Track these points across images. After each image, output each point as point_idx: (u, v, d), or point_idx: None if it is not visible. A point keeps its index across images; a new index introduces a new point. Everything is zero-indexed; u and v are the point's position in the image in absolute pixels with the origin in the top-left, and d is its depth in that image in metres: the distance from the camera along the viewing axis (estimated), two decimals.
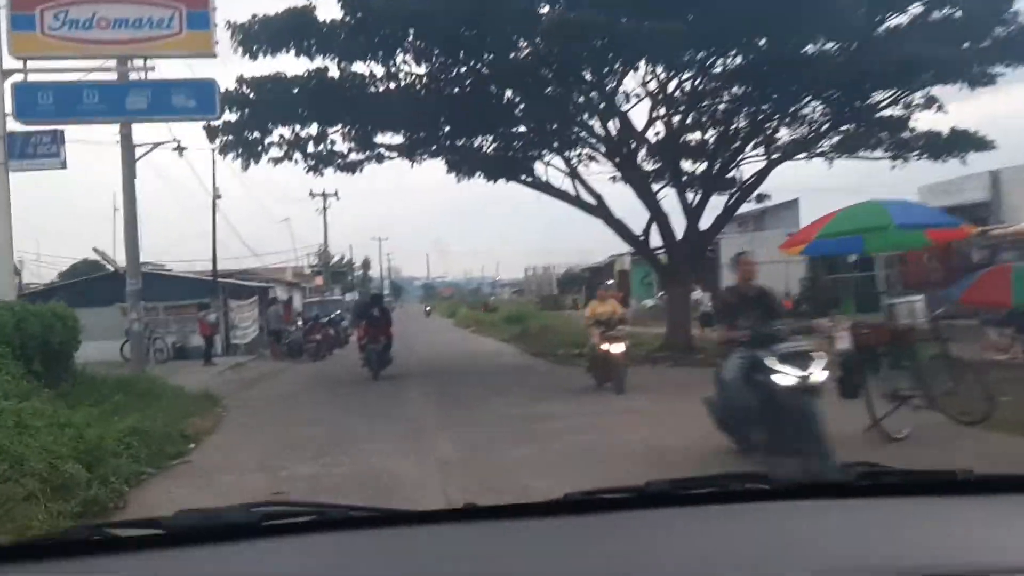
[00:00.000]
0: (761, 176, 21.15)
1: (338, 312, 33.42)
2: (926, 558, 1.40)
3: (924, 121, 19.82)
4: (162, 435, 9.45)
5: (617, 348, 13.65)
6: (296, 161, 18.48)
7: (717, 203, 21.93)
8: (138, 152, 20.80)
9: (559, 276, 74.25)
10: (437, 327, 44.89)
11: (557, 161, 22.28)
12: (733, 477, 1.83)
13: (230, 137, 17.61)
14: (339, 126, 20.16)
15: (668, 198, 21.71)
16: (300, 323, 28.41)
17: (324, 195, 55.15)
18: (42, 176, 17.99)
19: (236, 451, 9.66)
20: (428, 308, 62.25)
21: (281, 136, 18.14)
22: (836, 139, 20.24)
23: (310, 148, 18.82)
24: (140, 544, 1.58)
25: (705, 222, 21.65)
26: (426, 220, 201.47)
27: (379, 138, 22.15)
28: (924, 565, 1.37)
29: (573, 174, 21.45)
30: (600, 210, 21.61)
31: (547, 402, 12.78)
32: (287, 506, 1.81)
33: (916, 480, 1.76)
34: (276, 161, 18.22)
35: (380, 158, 23.33)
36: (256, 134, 17.64)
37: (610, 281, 59.61)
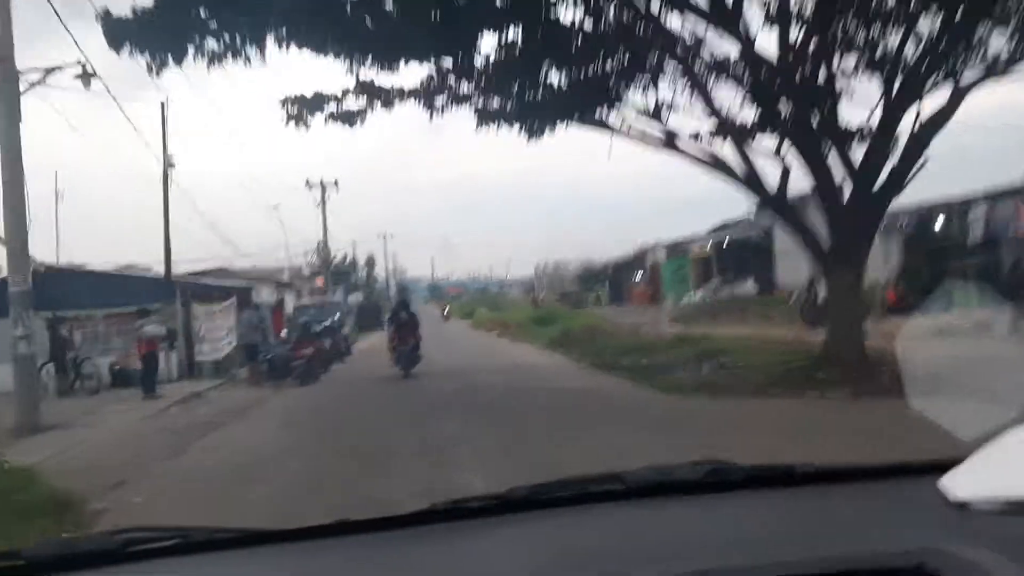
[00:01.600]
0: (951, 108, 13.72)
1: (336, 317, 26.23)
2: (767, 550, 1.41)
3: None
4: None
5: None
6: (247, 60, 11.17)
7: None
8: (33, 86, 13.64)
9: (579, 271, 67.05)
10: (457, 333, 37.47)
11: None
12: (591, 479, 1.82)
13: (132, 21, 10.30)
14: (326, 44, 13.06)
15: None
16: (288, 333, 21.17)
17: (322, 185, 47.98)
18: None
19: None
20: (446, 310, 54.30)
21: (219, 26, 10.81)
22: None
23: (271, 45, 11.46)
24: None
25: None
26: (427, 220, 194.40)
27: (381, 76, 15.12)
28: (765, 557, 1.36)
29: (712, 109, 14.20)
30: (725, 166, 14.38)
31: None
32: (149, 531, 1.67)
33: (760, 474, 1.81)
34: (214, 58, 10.95)
35: (388, 101, 16.26)
36: (179, 18, 10.39)
37: (639, 275, 52.70)
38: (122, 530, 1.65)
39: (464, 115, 16.38)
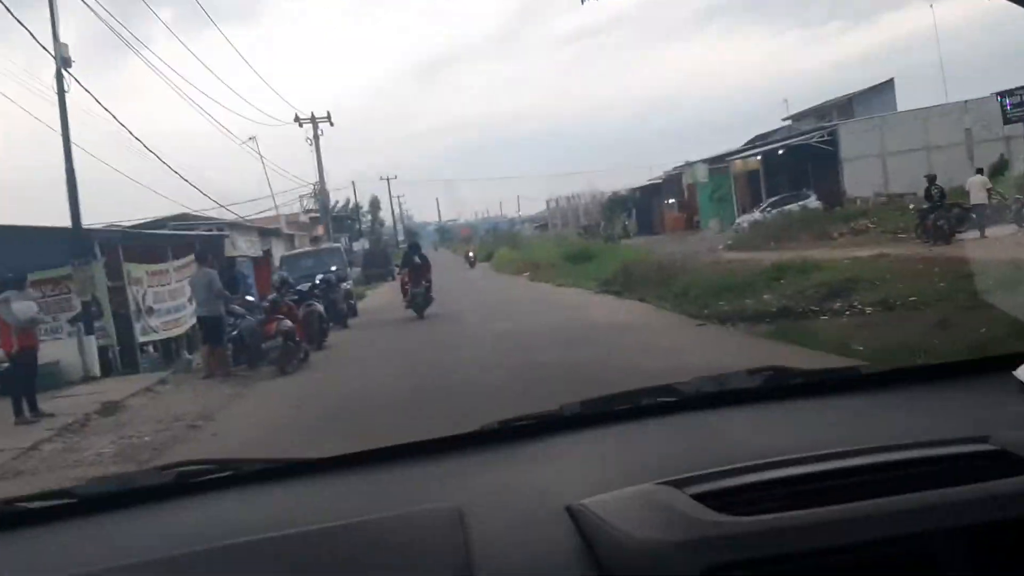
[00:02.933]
0: None
1: (334, 269, 19.87)
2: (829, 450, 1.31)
3: None
4: None
5: None
6: None
7: None
8: None
9: (603, 201, 60.26)
10: (485, 280, 30.70)
11: None
12: (643, 392, 1.73)
13: None
14: None
15: None
16: (270, 295, 14.78)
17: (314, 120, 41.31)
18: None
19: None
20: (472, 253, 45.94)
21: None
22: None
23: None
24: (52, 515, 1.48)
25: None
26: (429, 163, 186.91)
27: None
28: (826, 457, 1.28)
29: None
30: None
31: None
32: (198, 464, 1.64)
33: (821, 379, 1.74)
34: None
35: None
36: None
37: (670, 200, 46.08)
38: (175, 464, 1.60)
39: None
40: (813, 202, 34.46)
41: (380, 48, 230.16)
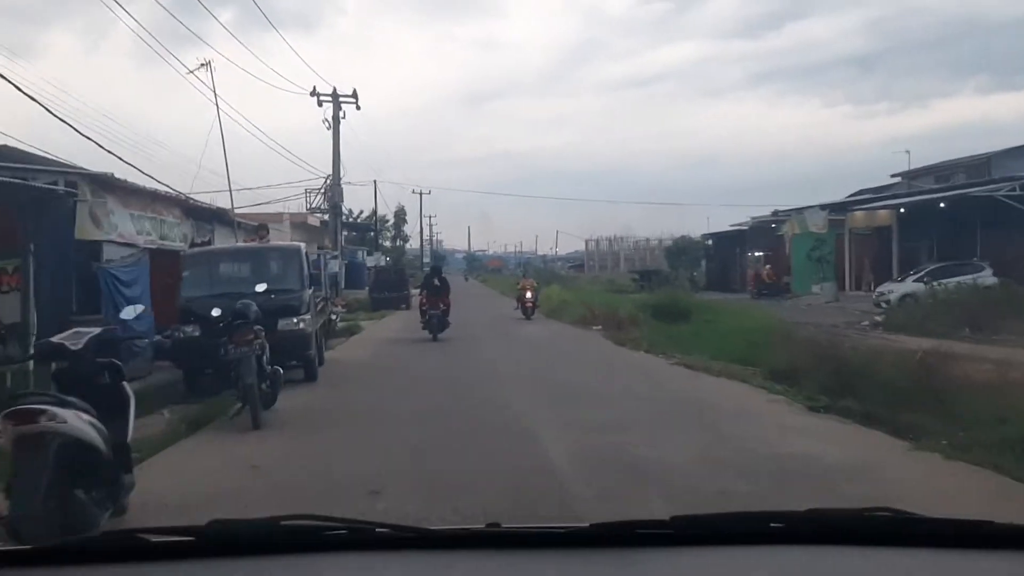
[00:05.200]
0: None
1: (261, 290, 9.50)
2: None
3: None
4: None
5: None
6: None
7: None
8: None
9: (668, 246, 49.81)
10: (554, 337, 18.92)
11: None
12: (751, 516, 1.59)
13: None
14: None
15: None
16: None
17: (336, 97, 31.52)
18: None
19: None
20: (530, 294, 24.28)
21: None
22: None
23: None
24: (172, 552, 1.45)
25: None
26: (463, 191, 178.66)
27: None
28: None
29: None
30: None
31: None
32: (317, 521, 1.55)
33: (943, 530, 1.53)
34: None
35: None
36: None
37: (758, 253, 35.39)
38: (291, 517, 1.52)
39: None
40: (989, 277, 23.84)
41: (430, 69, 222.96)
